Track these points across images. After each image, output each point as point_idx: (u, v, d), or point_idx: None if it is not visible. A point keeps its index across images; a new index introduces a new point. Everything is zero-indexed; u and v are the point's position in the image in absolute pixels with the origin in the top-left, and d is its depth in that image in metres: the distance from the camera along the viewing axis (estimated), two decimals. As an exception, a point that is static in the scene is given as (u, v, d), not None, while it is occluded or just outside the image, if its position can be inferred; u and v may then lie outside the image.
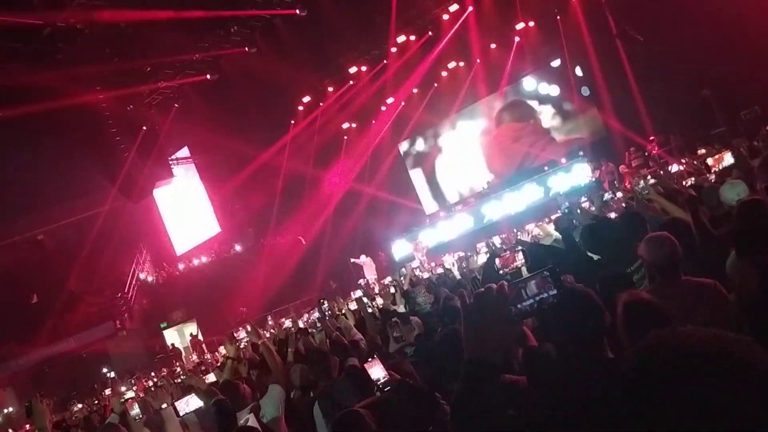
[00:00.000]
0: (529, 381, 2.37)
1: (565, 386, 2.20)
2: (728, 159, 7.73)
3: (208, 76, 20.22)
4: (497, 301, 1.51)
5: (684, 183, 7.89)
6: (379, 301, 9.36)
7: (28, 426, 11.73)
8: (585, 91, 19.82)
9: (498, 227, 16.93)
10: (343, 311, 8.91)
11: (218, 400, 4.80)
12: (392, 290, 8.81)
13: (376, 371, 3.66)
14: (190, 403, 5.15)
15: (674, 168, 8.93)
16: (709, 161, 8.45)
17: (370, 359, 3.79)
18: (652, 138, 17.34)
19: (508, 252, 4.72)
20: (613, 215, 7.54)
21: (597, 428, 1.78)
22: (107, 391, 15.16)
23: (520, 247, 5.53)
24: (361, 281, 16.89)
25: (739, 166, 7.24)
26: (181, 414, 5.11)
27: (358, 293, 11.65)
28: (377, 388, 3.58)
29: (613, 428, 1.13)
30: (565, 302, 2.37)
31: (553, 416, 2.06)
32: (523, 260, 4.47)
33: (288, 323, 12.53)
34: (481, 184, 21.23)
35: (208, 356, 16.80)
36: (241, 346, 10.21)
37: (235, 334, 10.17)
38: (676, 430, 0.93)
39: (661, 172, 9.36)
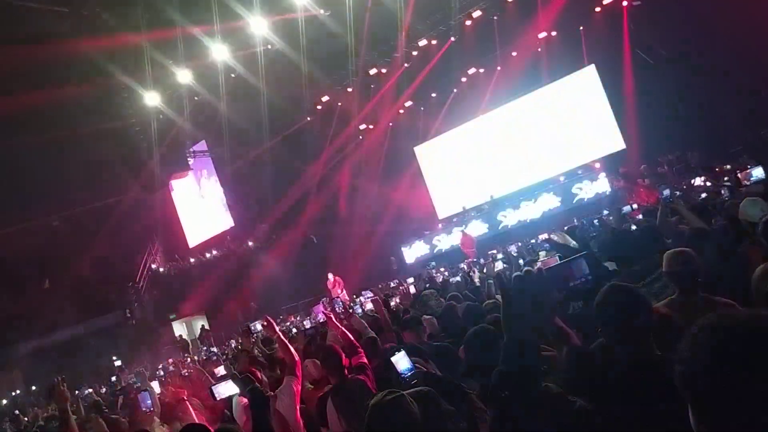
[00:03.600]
0: (574, 381, 2.37)
1: (613, 386, 2.20)
2: (757, 173, 7.67)
3: (232, 75, 20.29)
4: (538, 283, 1.55)
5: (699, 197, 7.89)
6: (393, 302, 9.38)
7: (37, 408, 11.82)
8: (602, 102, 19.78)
9: (513, 236, 16.95)
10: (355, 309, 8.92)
11: (253, 387, 4.90)
12: (412, 290, 8.84)
13: (402, 362, 3.68)
14: (227, 389, 5.24)
15: (697, 181, 8.94)
16: (739, 175, 8.41)
17: (396, 351, 3.80)
18: (663, 157, 17.30)
19: (549, 256, 4.79)
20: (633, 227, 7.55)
21: (647, 427, 1.80)
22: (113, 378, 15.25)
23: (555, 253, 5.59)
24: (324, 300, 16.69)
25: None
26: (217, 398, 5.21)
27: (371, 294, 11.67)
28: (403, 380, 3.59)
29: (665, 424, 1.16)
30: (612, 298, 2.41)
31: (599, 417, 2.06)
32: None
33: (307, 322, 12.60)
34: (485, 197, 21.00)
35: (215, 349, 16.87)
36: (253, 340, 10.24)
37: (251, 328, 10.20)
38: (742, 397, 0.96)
39: (684, 186, 9.36)
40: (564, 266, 1.67)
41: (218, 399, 5.30)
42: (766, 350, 0.97)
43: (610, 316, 2.40)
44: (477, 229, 19.60)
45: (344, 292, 17.72)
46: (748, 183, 7.46)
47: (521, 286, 1.59)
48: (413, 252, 21.33)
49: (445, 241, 20.38)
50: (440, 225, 21.82)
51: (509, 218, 19.49)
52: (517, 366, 1.49)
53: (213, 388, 5.33)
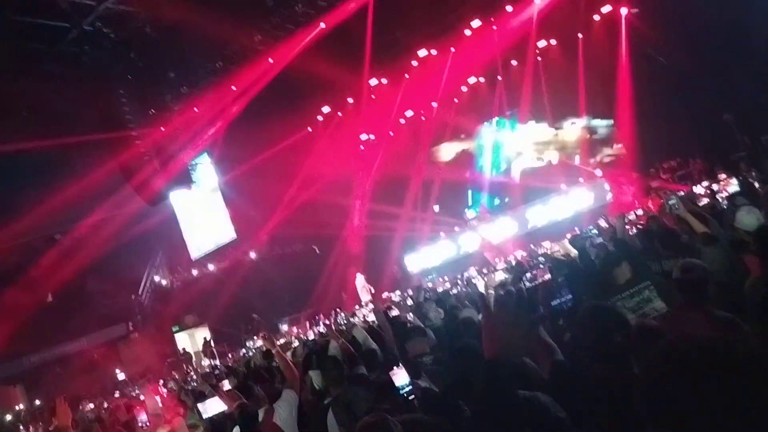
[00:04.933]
0: (556, 394, 2.39)
1: (593, 399, 2.21)
2: (735, 185, 7.71)
3: (233, 88, 20.36)
4: (517, 303, 1.55)
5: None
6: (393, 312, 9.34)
7: (41, 423, 11.79)
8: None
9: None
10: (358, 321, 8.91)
11: (241, 404, 4.88)
12: (409, 302, 8.83)
13: (401, 378, 3.67)
14: (214, 407, 5.20)
15: (698, 189, 8.95)
16: (715, 187, 8.46)
17: (395, 367, 3.78)
18: (665, 165, 17.28)
19: (539, 267, 4.80)
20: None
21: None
22: (117, 393, 15.21)
23: (547, 264, 5.58)
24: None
25: (745, 193, 7.22)
26: (204, 417, 5.16)
27: (370, 306, 11.68)
28: (401, 396, 3.58)
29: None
30: (592, 316, 2.44)
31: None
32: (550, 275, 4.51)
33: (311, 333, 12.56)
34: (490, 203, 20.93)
35: (218, 362, 16.84)
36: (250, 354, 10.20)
37: (250, 343, 10.16)
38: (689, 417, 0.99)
39: (682, 193, 9.35)
40: (545, 286, 1.67)
41: (205, 418, 5.26)
42: (705, 373, 1.00)
43: (588, 335, 2.46)
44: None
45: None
46: (723, 195, 7.49)
47: (500, 308, 1.59)
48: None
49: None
50: (442, 234, 21.72)
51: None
52: (496, 386, 1.48)
53: (199, 405, 5.31)
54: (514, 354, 1.49)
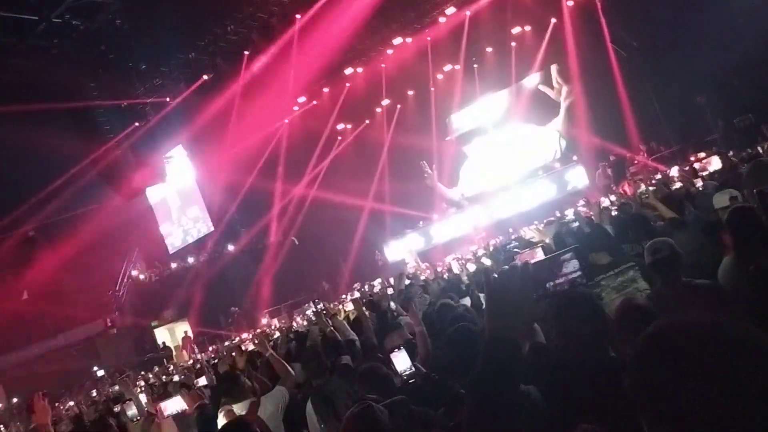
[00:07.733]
0: (534, 376, 2.39)
1: (571, 382, 2.22)
2: (716, 163, 7.77)
3: (205, 77, 20.16)
4: (522, 279, 1.51)
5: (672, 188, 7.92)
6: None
7: (19, 423, 11.65)
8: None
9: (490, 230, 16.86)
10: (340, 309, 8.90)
11: (201, 404, 4.88)
12: (389, 291, 8.81)
13: (402, 362, 3.66)
14: (175, 405, 5.19)
15: (673, 171, 9.00)
16: (696, 166, 8.52)
17: (396, 349, 3.76)
18: (642, 147, 17.38)
19: (527, 250, 4.79)
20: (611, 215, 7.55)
21: (599, 419, 1.81)
22: (93, 392, 15.04)
23: (541, 245, 5.60)
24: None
25: (725, 171, 7.30)
26: (165, 414, 5.16)
27: (356, 294, 11.66)
28: (402, 380, 3.59)
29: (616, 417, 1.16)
30: (564, 308, 2.44)
31: (556, 409, 2.08)
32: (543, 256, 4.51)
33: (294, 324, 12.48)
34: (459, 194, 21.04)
35: (199, 356, 16.73)
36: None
37: (243, 347, 10.08)
38: (680, 404, 0.97)
39: (659, 176, 9.43)
40: (551, 262, 1.60)
41: (166, 416, 5.27)
42: (703, 357, 0.97)
43: (561, 325, 2.46)
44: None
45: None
46: (704, 174, 7.54)
47: (505, 282, 1.54)
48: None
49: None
50: (420, 223, 21.72)
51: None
52: (496, 366, 1.45)
53: (161, 405, 5.31)
54: (515, 332, 1.44)
